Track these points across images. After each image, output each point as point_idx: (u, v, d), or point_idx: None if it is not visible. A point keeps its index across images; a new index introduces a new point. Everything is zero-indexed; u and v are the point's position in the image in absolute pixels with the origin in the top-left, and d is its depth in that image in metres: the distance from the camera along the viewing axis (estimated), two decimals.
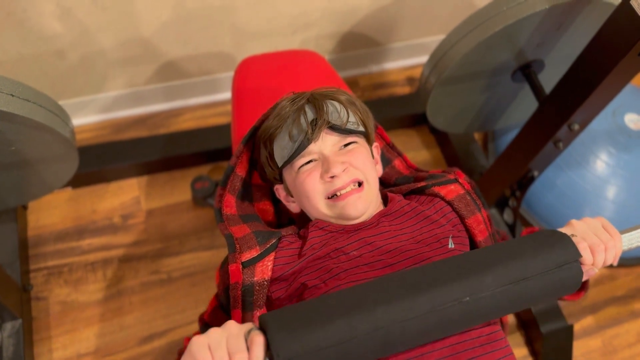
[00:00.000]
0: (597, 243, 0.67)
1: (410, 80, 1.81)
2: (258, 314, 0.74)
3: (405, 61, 1.82)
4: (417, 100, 1.66)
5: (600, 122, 1.47)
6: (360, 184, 0.80)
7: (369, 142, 0.86)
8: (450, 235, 0.78)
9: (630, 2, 0.93)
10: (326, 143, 0.80)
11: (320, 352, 0.54)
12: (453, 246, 0.76)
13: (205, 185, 1.44)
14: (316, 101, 0.80)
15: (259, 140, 0.86)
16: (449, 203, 0.83)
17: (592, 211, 1.44)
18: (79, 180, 1.45)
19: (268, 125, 0.83)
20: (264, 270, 0.74)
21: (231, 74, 1.57)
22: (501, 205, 1.45)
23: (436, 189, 0.84)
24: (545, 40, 1.20)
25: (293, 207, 0.88)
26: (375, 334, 0.55)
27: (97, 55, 1.41)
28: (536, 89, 1.26)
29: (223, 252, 1.39)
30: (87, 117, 1.58)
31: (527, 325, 1.38)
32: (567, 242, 0.65)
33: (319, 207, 0.80)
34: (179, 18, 1.39)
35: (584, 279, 0.67)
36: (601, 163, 1.45)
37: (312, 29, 1.57)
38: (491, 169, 1.43)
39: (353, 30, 1.62)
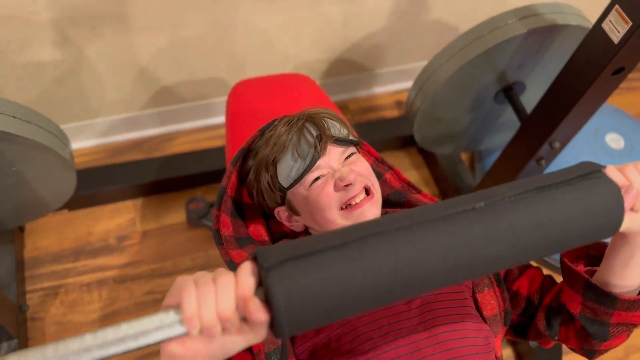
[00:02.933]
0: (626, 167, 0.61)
1: (398, 104, 1.87)
2: None
3: (393, 86, 1.88)
4: (405, 122, 1.71)
5: (583, 143, 1.52)
6: (368, 191, 0.82)
7: (358, 151, 0.90)
8: None
9: (602, 25, 0.98)
10: (332, 156, 0.82)
11: (313, 268, 0.47)
12: None
13: (199, 206, 1.47)
14: (314, 119, 0.83)
15: (259, 168, 0.87)
16: None
17: None
18: (75, 203, 1.48)
19: (268, 151, 0.84)
20: None
21: (225, 98, 1.61)
22: None
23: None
24: (525, 62, 1.26)
25: (297, 227, 0.90)
26: (384, 257, 0.48)
27: (94, 81, 1.46)
28: (518, 109, 1.31)
29: None
30: (83, 142, 1.61)
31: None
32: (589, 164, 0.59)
33: (335, 218, 0.81)
34: (175, 45, 1.44)
35: (626, 204, 0.58)
36: None
37: (303, 56, 1.62)
38: (477, 187, 1.47)
39: (343, 56, 1.68)
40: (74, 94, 1.47)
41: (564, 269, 0.74)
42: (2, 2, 1.18)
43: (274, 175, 0.84)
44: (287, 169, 0.82)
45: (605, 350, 0.76)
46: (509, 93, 1.33)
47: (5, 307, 1.21)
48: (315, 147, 0.80)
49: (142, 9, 1.31)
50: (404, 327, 0.71)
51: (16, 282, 1.31)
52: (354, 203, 0.80)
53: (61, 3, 1.23)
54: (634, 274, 0.68)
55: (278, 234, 1.00)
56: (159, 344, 0.47)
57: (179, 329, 0.47)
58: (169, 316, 0.47)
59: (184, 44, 1.44)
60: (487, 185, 1.43)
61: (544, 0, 1.31)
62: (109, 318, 1.34)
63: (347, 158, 0.84)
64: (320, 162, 0.81)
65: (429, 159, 1.71)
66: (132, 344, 0.46)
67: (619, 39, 0.95)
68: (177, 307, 0.48)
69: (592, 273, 0.73)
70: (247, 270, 0.49)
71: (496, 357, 0.78)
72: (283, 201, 0.87)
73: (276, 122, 0.86)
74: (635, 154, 1.53)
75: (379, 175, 0.99)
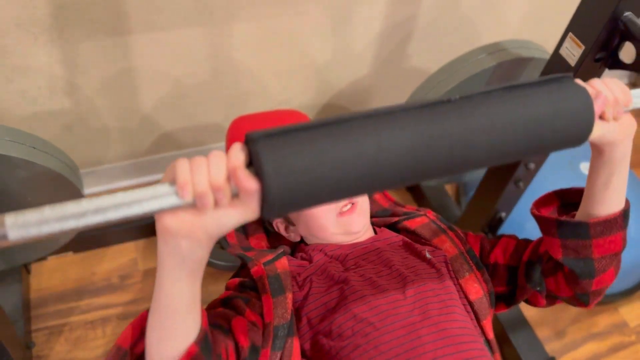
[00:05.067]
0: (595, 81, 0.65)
1: None
2: (290, 294, 0.78)
3: None
4: None
5: (559, 171, 1.62)
6: (352, 203, 0.90)
7: None
8: (426, 250, 0.87)
9: (560, 51, 1.11)
10: None
11: (305, 156, 0.49)
12: (430, 257, 0.86)
13: None
14: None
15: None
16: (412, 232, 0.93)
17: None
18: (79, 245, 1.54)
19: None
20: (283, 264, 0.83)
21: (223, 143, 1.72)
22: None
23: (405, 223, 0.95)
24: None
25: (293, 237, 0.98)
26: (368, 136, 0.51)
27: (100, 129, 1.56)
28: None
29: None
30: (88, 188, 1.69)
31: None
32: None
33: (329, 226, 0.88)
34: (176, 93, 1.55)
35: (596, 108, 0.61)
36: None
37: (294, 101, 1.75)
38: (464, 215, 1.56)
39: (331, 101, 1.81)
40: (80, 142, 1.57)
41: (538, 221, 0.79)
42: (22, 52, 1.30)
43: None
44: None
45: (599, 292, 0.79)
46: None
47: (14, 345, 1.24)
48: None
49: (147, 62, 1.43)
50: (400, 312, 0.77)
51: (23, 320, 1.35)
52: (344, 210, 0.88)
53: (71, 57, 1.35)
54: (614, 197, 0.72)
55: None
56: (153, 213, 0.48)
57: (172, 200, 0.48)
58: (164, 188, 0.48)
59: (184, 91, 1.56)
60: (472, 213, 1.52)
61: (510, 38, 1.45)
62: None
63: None
64: None
65: (416, 195, 1.80)
66: (127, 211, 0.47)
67: (575, 62, 1.07)
68: (172, 182, 0.49)
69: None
70: (237, 147, 0.50)
71: (488, 340, 0.83)
72: None
73: None
74: None
75: (369, 195, 1.08)
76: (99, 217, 0.46)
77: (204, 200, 0.48)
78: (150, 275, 1.53)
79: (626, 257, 1.55)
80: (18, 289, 1.40)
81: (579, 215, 0.76)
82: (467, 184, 1.76)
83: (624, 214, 0.73)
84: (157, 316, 0.57)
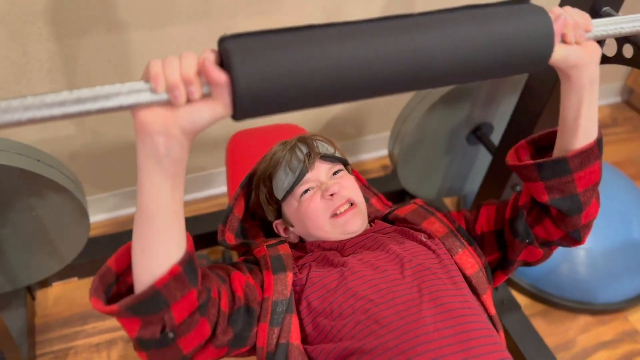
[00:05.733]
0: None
1: (385, 168, 2.01)
2: (290, 274, 0.80)
3: (378, 152, 2.04)
4: (391, 179, 1.84)
5: None
6: (352, 203, 0.92)
7: (349, 172, 1.01)
8: (422, 235, 0.89)
9: None
10: (320, 171, 0.93)
11: (275, 62, 0.51)
12: (426, 240, 0.87)
13: (202, 262, 1.54)
14: (305, 139, 0.95)
15: (258, 183, 0.98)
16: (403, 219, 0.95)
17: (561, 256, 1.56)
18: (83, 271, 1.55)
19: (265, 166, 0.97)
20: (285, 248, 0.85)
21: (222, 168, 1.76)
22: None
23: (396, 212, 0.98)
24: (488, 103, 1.42)
25: (292, 238, 0.99)
26: (337, 43, 0.54)
27: (103, 157, 1.60)
28: (488, 145, 1.45)
29: None
30: (91, 217, 1.72)
31: None
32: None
33: (324, 225, 0.90)
34: None
35: (556, 28, 0.64)
36: None
37: (295, 116, 1.79)
38: None
39: (327, 127, 1.85)
40: (84, 169, 1.61)
41: (518, 171, 0.82)
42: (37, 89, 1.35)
43: (270, 189, 0.95)
44: (280, 182, 0.93)
45: (588, 225, 0.81)
46: (479, 133, 1.48)
47: None
48: (304, 162, 0.92)
49: None
50: (399, 289, 0.78)
51: (27, 345, 1.35)
52: (339, 212, 0.90)
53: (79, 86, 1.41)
54: (588, 126, 0.74)
55: None
56: (129, 107, 0.51)
57: (148, 96, 0.51)
58: (139, 84, 0.51)
59: None
60: None
61: None
62: None
63: (335, 174, 0.95)
64: (308, 175, 0.92)
65: None
66: (105, 104, 0.50)
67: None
68: (148, 80, 0.52)
69: None
70: (209, 50, 0.53)
71: (490, 315, 0.83)
72: (280, 214, 0.98)
73: (274, 146, 0.99)
74: (603, 185, 1.64)
75: (365, 199, 1.10)
76: (78, 107, 0.49)
77: (176, 92, 0.51)
78: None
79: (635, 263, 1.55)
80: (23, 314, 1.40)
81: (556, 154, 0.79)
82: (467, 196, 1.78)
83: (598, 143, 0.75)
84: (139, 224, 0.59)
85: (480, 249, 0.88)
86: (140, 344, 0.63)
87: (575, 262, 1.56)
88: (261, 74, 0.51)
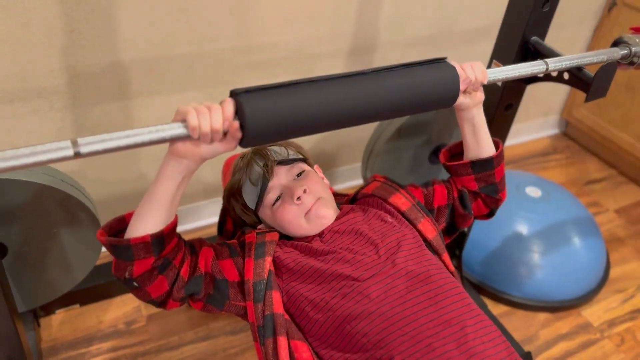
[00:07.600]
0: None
1: None
2: (269, 258, 0.96)
3: (352, 182, 2.23)
4: None
5: (511, 197, 1.86)
6: (319, 198, 1.04)
7: (310, 166, 1.13)
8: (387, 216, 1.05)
9: None
10: (280, 176, 1.04)
11: (276, 104, 0.77)
12: (391, 220, 1.03)
13: None
14: (260, 150, 1.07)
15: (229, 198, 1.11)
16: (371, 195, 1.11)
17: (520, 261, 1.76)
18: (86, 298, 1.65)
19: (231, 182, 1.10)
20: (273, 236, 1.01)
21: (212, 200, 1.92)
22: None
23: (362, 191, 1.14)
24: (445, 128, 1.64)
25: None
26: (313, 94, 0.80)
27: (101, 189, 1.73)
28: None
29: (220, 340, 1.59)
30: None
31: None
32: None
33: (302, 224, 1.02)
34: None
35: (461, 83, 0.93)
36: (518, 223, 1.81)
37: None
38: None
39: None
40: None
41: (450, 168, 1.12)
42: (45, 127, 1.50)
43: (243, 202, 1.08)
44: (248, 195, 1.06)
45: (502, 200, 1.14)
46: (438, 153, 1.69)
47: None
48: (264, 174, 1.04)
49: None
50: (377, 267, 0.94)
51: None
52: (309, 207, 1.04)
53: (84, 124, 1.56)
54: (483, 139, 1.07)
55: None
56: (170, 139, 0.74)
57: (184, 131, 0.74)
58: (177, 124, 0.74)
59: None
60: None
61: None
62: None
63: (298, 175, 1.06)
64: (271, 183, 1.04)
65: None
66: (154, 136, 0.72)
67: (501, 83, 1.35)
68: (183, 121, 0.74)
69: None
70: (229, 102, 0.75)
71: (451, 271, 1.02)
72: (259, 219, 1.11)
73: (235, 160, 1.13)
74: (552, 199, 1.88)
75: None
76: (131, 140, 0.71)
77: (206, 138, 0.75)
78: (153, 319, 1.65)
79: (583, 264, 1.76)
80: (32, 337, 1.49)
81: (467, 159, 1.11)
82: None
83: (502, 149, 1.11)
84: (145, 199, 0.83)
85: (434, 219, 1.09)
86: (122, 283, 0.87)
87: (531, 265, 1.76)
88: (263, 123, 0.76)
